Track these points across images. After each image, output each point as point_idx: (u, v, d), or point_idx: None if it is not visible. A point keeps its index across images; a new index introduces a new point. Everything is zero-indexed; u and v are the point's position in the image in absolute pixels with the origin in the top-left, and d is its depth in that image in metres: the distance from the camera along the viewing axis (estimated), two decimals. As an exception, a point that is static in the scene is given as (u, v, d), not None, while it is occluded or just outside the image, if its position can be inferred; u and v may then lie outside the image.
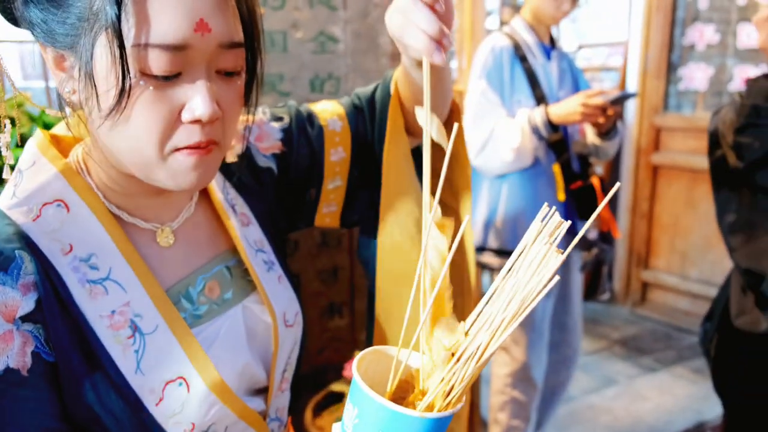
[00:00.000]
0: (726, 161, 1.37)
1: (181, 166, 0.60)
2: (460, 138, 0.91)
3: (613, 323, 3.63)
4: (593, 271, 3.21)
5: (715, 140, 1.42)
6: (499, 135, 1.81)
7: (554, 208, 0.50)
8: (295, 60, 2.21)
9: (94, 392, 0.61)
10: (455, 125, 0.52)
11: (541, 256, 0.47)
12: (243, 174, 0.82)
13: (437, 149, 0.60)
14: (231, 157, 0.82)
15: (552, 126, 1.77)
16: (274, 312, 0.74)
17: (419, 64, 0.74)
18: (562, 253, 0.47)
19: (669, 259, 3.63)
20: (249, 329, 0.73)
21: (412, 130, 0.88)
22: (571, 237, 1.93)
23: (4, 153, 0.64)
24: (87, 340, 0.61)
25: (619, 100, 1.70)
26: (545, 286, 0.46)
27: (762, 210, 1.33)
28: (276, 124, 0.86)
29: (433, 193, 0.51)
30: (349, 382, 2.20)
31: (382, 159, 0.85)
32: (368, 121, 0.90)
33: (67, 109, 0.63)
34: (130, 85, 0.55)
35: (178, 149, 0.59)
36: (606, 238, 2.01)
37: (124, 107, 0.56)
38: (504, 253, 1.92)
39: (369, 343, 0.92)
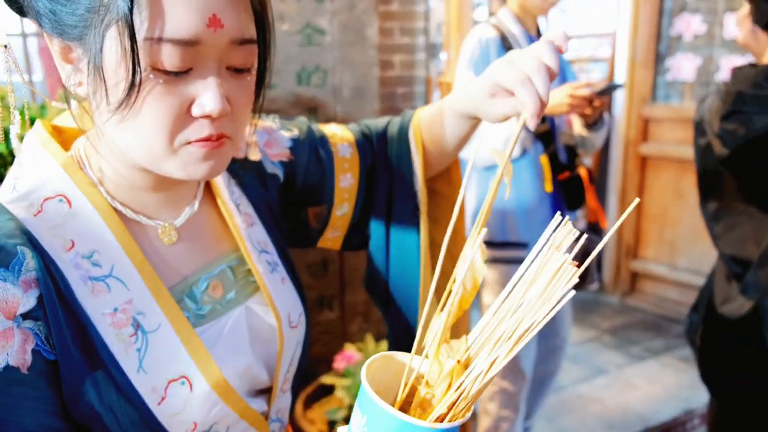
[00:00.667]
0: (711, 149, 1.38)
1: (192, 157, 0.60)
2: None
3: (603, 313, 3.65)
4: (582, 261, 3.21)
5: (700, 128, 1.42)
6: (486, 127, 1.81)
7: (567, 217, 0.49)
8: (281, 52, 2.20)
9: (95, 390, 0.60)
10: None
11: (555, 268, 0.47)
12: (249, 175, 0.82)
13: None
14: (253, 155, 0.83)
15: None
16: (278, 313, 0.73)
17: (468, 117, 0.80)
18: (579, 266, 0.47)
19: (658, 249, 3.66)
20: (252, 330, 0.72)
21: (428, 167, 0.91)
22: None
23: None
24: (89, 338, 0.60)
25: (606, 92, 1.70)
26: (560, 301, 0.46)
27: (745, 197, 1.34)
28: (286, 133, 0.87)
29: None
30: (338, 375, 2.20)
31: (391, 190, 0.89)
32: (378, 153, 0.91)
33: (72, 102, 0.62)
34: (140, 79, 0.54)
35: (189, 142, 0.59)
36: (594, 228, 2.02)
37: (134, 101, 0.55)
38: (492, 244, 1.92)
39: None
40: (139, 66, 0.54)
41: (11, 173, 0.65)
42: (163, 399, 0.62)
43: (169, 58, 0.54)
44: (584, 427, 2.49)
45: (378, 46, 2.35)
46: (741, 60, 3.14)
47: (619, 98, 3.64)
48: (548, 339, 2.14)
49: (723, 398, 1.51)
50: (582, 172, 1.92)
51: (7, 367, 0.55)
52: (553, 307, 0.46)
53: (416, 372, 0.53)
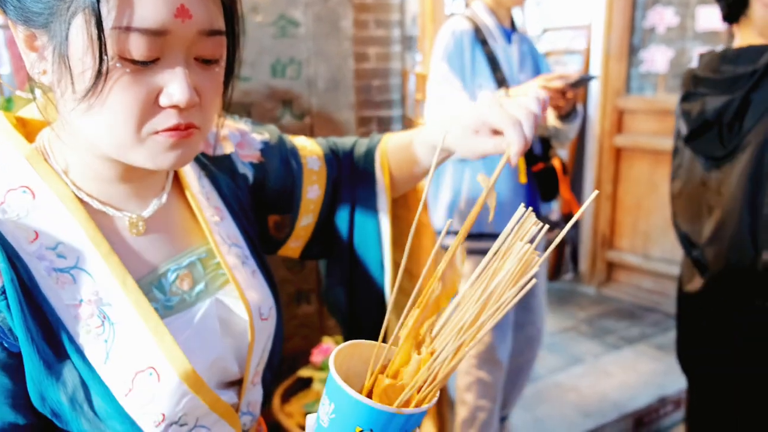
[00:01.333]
0: (679, 131, 1.42)
1: (160, 147, 0.59)
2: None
3: (580, 303, 3.70)
4: (558, 252, 3.25)
5: (677, 112, 1.46)
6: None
7: (530, 208, 0.50)
8: (255, 44, 2.18)
9: (60, 383, 0.60)
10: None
11: (519, 258, 0.47)
12: (221, 170, 0.82)
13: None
14: (227, 148, 0.84)
15: (513, 109, 1.78)
16: (249, 305, 0.73)
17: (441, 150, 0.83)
18: (539, 256, 0.48)
19: (632, 239, 3.71)
20: (223, 322, 0.72)
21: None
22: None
23: None
24: (54, 329, 0.60)
25: (579, 83, 1.71)
26: (522, 288, 0.47)
27: (697, 176, 1.37)
28: (257, 136, 0.88)
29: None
30: (316, 368, 2.20)
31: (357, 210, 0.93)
32: (343, 170, 0.94)
33: (37, 92, 0.61)
34: (107, 68, 0.53)
35: (156, 132, 0.58)
36: (568, 219, 2.04)
37: (101, 90, 0.54)
38: (468, 235, 1.93)
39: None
40: (106, 55, 0.53)
41: None
42: (130, 390, 0.61)
43: (137, 47, 0.54)
44: (561, 415, 2.52)
45: (353, 38, 2.33)
46: (712, 52, 3.18)
47: (594, 90, 3.67)
48: (525, 329, 2.16)
49: (698, 379, 1.53)
50: (556, 163, 1.94)
51: None
52: (516, 294, 0.47)
53: (383, 359, 0.53)
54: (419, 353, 0.52)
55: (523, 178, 1.88)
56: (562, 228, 1.93)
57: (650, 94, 3.54)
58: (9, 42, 2.34)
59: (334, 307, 1.00)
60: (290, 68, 2.27)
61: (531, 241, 0.48)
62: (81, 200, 0.65)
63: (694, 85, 1.34)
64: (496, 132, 0.76)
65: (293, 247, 0.95)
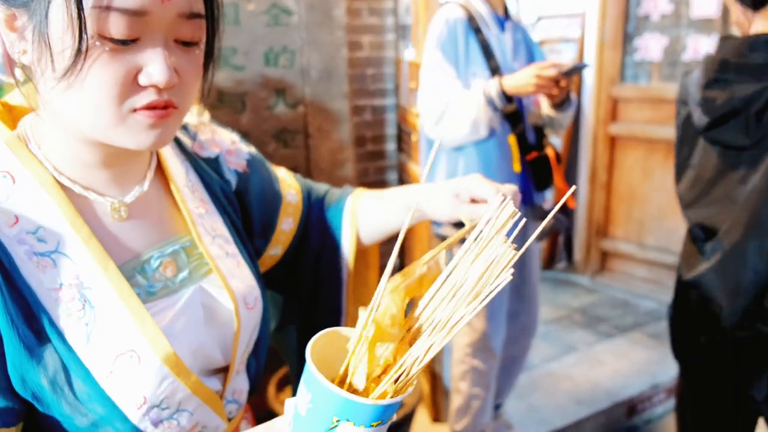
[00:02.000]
0: (690, 119, 1.39)
1: (140, 125, 0.60)
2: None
3: (574, 292, 3.71)
4: (552, 241, 3.25)
5: (682, 100, 1.43)
6: (454, 107, 1.80)
7: (509, 197, 0.50)
8: (248, 33, 2.16)
9: (41, 366, 0.60)
10: None
11: (495, 252, 0.47)
12: (209, 167, 0.83)
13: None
14: (203, 134, 0.86)
15: (506, 97, 1.77)
16: (234, 294, 0.74)
17: (414, 210, 0.88)
18: (517, 250, 0.48)
19: (626, 228, 3.72)
20: (207, 310, 0.72)
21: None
22: (528, 207, 1.96)
23: None
24: (34, 313, 0.60)
25: (572, 72, 1.71)
26: (498, 286, 0.47)
27: (720, 165, 1.35)
28: (245, 147, 0.91)
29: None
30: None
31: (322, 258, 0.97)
32: (314, 217, 0.98)
33: (17, 72, 0.61)
34: (87, 47, 0.54)
35: (135, 110, 0.59)
36: (562, 208, 2.04)
37: (80, 69, 0.55)
38: (460, 225, 1.92)
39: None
40: (86, 33, 0.53)
41: None
42: (111, 372, 0.62)
43: (117, 27, 0.54)
44: (554, 403, 2.54)
45: (346, 27, 2.32)
46: (707, 40, 3.17)
47: (588, 78, 3.66)
48: (519, 318, 2.16)
49: (690, 369, 1.54)
50: (549, 152, 1.93)
51: None
52: (488, 295, 0.47)
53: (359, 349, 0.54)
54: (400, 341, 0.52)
55: (516, 167, 1.88)
56: (555, 218, 1.93)
57: (645, 83, 3.53)
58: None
59: (283, 345, 1.03)
60: (283, 57, 2.25)
61: (509, 234, 0.49)
62: (62, 185, 0.65)
63: (722, 71, 1.30)
64: (474, 201, 0.82)
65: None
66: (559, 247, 2.13)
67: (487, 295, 0.47)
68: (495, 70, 1.85)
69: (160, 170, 0.76)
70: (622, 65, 3.60)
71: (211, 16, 0.63)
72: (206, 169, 0.83)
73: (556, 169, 1.94)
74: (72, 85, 0.56)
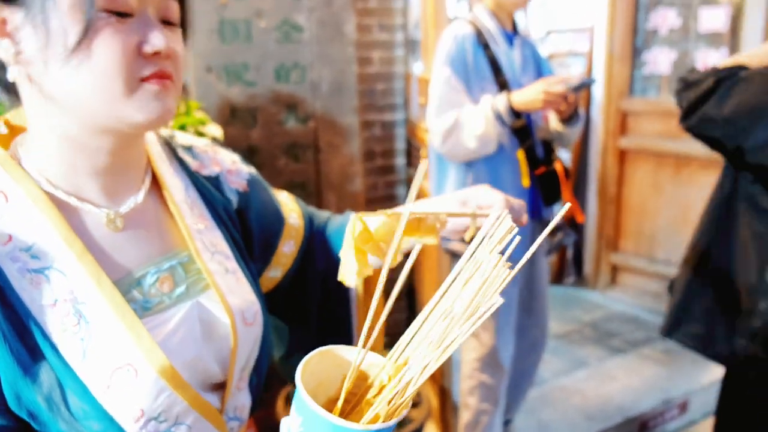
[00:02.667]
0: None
1: (149, 95, 0.63)
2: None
3: (584, 306, 3.69)
4: (561, 256, 3.24)
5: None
6: (463, 122, 1.82)
7: (507, 212, 0.49)
8: (259, 49, 2.19)
9: (37, 383, 0.60)
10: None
11: (490, 269, 0.46)
12: (209, 184, 0.84)
13: None
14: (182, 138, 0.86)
15: (515, 113, 1.78)
16: (231, 310, 0.73)
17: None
18: (512, 268, 0.47)
19: (637, 242, 3.70)
20: (204, 324, 0.72)
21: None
22: (536, 222, 1.96)
23: None
24: (29, 330, 0.60)
25: (580, 87, 1.72)
26: (491, 307, 0.46)
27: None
28: (246, 168, 0.91)
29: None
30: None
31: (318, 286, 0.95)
32: (317, 241, 0.96)
33: (9, 74, 0.63)
34: (94, 18, 0.58)
35: (143, 79, 0.62)
36: (571, 223, 2.04)
37: (89, 43, 0.58)
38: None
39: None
40: (93, 7, 0.57)
41: None
42: (108, 387, 0.62)
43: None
44: (565, 419, 2.52)
45: (356, 43, 2.34)
46: (716, 54, 3.17)
47: (597, 92, 3.66)
48: (528, 333, 2.16)
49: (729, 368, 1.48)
50: (558, 167, 1.94)
51: None
52: (481, 316, 0.47)
53: (356, 368, 0.53)
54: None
55: (525, 182, 1.89)
56: (564, 232, 1.93)
57: (654, 96, 3.53)
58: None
59: (291, 373, 0.99)
60: (294, 72, 2.28)
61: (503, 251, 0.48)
62: (56, 199, 0.66)
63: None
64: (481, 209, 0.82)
65: None
66: (568, 261, 2.12)
67: (481, 316, 0.46)
68: (503, 86, 1.86)
69: (156, 184, 0.77)
70: (631, 79, 3.60)
71: (182, 3, 0.68)
72: (207, 186, 0.83)
73: (565, 184, 1.95)
74: (81, 62, 0.59)
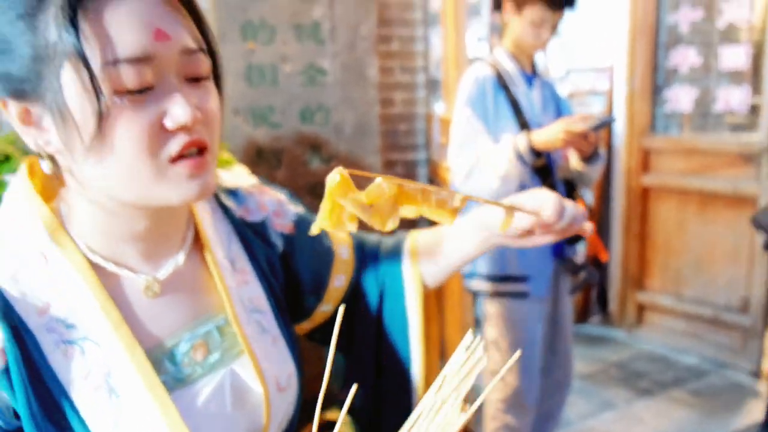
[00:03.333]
0: None
1: (181, 177, 0.59)
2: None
3: (610, 346, 3.62)
4: (585, 295, 3.20)
5: None
6: (484, 162, 1.84)
7: (479, 337, 0.48)
8: (285, 92, 2.26)
9: None
10: None
11: (443, 415, 0.46)
12: (253, 232, 0.82)
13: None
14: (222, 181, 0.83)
15: (535, 152, 1.80)
16: (264, 378, 0.71)
17: (481, 230, 0.85)
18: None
19: (663, 280, 3.64)
20: (236, 395, 0.70)
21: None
22: (559, 261, 1.95)
23: None
24: (58, 405, 0.59)
25: (600, 126, 1.73)
26: None
27: None
28: (293, 208, 0.88)
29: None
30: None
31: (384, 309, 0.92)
32: (370, 267, 0.93)
33: (45, 164, 0.62)
34: (106, 107, 0.54)
35: (173, 160, 0.59)
36: (594, 262, 2.03)
37: (107, 131, 0.55)
38: (492, 278, 1.93)
39: None
40: (102, 94, 0.54)
41: None
42: None
43: (129, 78, 0.55)
44: (593, 462, 2.45)
45: (379, 85, 2.40)
46: (737, 91, 3.17)
47: (619, 130, 3.67)
48: (553, 373, 2.13)
49: None
50: (580, 206, 1.94)
51: None
52: None
53: None
54: None
55: (547, 221, 1.89)
56: (587, 271, 1.92)
57: (676, 133, 3.53)
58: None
59: (353, 409, 0.95)
60: (318, 114, 2.34)
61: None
62: (96, 265, 0.64)
63: None
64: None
65: (303, 326, 0.93)
66: (592, 300, 2.10)
67: None
68: (524, 126, 1.89)
69: (198, 240, 0.74)
70: (652, 117, 3.61)
71: (209, 47, 0.63)
72: (251, 236, 0.81)
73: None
74: (103, 151, 0.56)
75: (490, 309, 1.98)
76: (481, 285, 1.96)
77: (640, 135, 3.60)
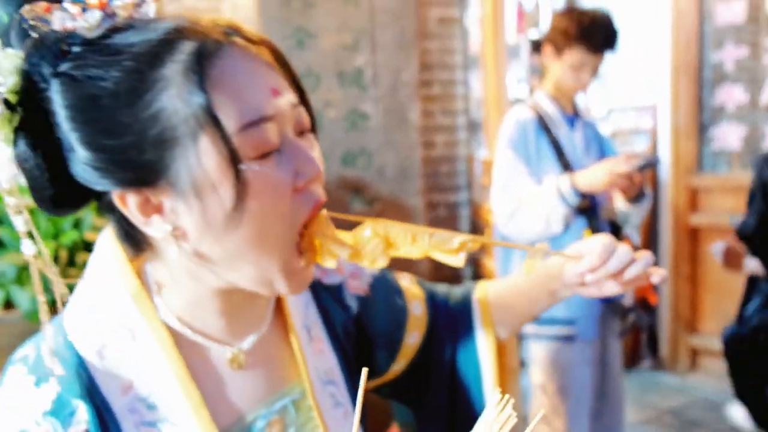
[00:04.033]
0: None
1: (301, 277, 0.61)
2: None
3: (662, 392, 3.48)
4: (634, 338, 3.11)
5: None
6: (527, 204, 1.84)
7: (508, 396, 0.47)
8: (328, 137, 2.32)
9: None
10: None
11: None
12: (329, 297, 0.81)
13: None
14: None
15: (579, 193, 1.79)
16: None
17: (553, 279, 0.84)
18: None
19: (717, 322, 3.50)
20: None
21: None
22: (606, 304, 1.91)
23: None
24: None
25: (645, 167, 1.72)
26: None
27: None
28: (369, 269, 0.86)
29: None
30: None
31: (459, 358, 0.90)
32: (441, 321, 0.91)
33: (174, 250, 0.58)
34: (245, 175, 0.52)
35: (303, 229, 0.59)
36: (643, 304, 1.98)
37: (244, 203, 0.52)
38: (539, 320, 1.90)
39: None
40: (241, 161, 0.52)
41: (81, 287, 0.64)
42: None
43: (260, 140, 0.53)
44: None
45: (420, 128, 2.45)
46: (788, 128, 3.10)
47: (664, 169, 3.62)
48: (602, 418, 2.06)
49: None
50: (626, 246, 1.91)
51: None
52: None
53: None
54: None
55: (593, 262, 1.86)
56: (636, 314, 1.88)
57: (724, 171, 3.45)
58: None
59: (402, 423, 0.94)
60: (361, 158, 2.39)
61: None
62: (182, 336, 0.63)
63: None
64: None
65: (372, 383, 0.91)
66: (642, 344, 2.04)
67: None
68: (566, 167, 1.89)
69: (279, 308, 0.73)
70: (699, 155, 3.55)
71: (303, 99, 0.62)
72: (327, 300, 0.80)
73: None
74: (242, 222, 0.53)
75: (537, 352, 1.95)
76: (527, 327, 1.93)
77: (686, 173, 3.54)
